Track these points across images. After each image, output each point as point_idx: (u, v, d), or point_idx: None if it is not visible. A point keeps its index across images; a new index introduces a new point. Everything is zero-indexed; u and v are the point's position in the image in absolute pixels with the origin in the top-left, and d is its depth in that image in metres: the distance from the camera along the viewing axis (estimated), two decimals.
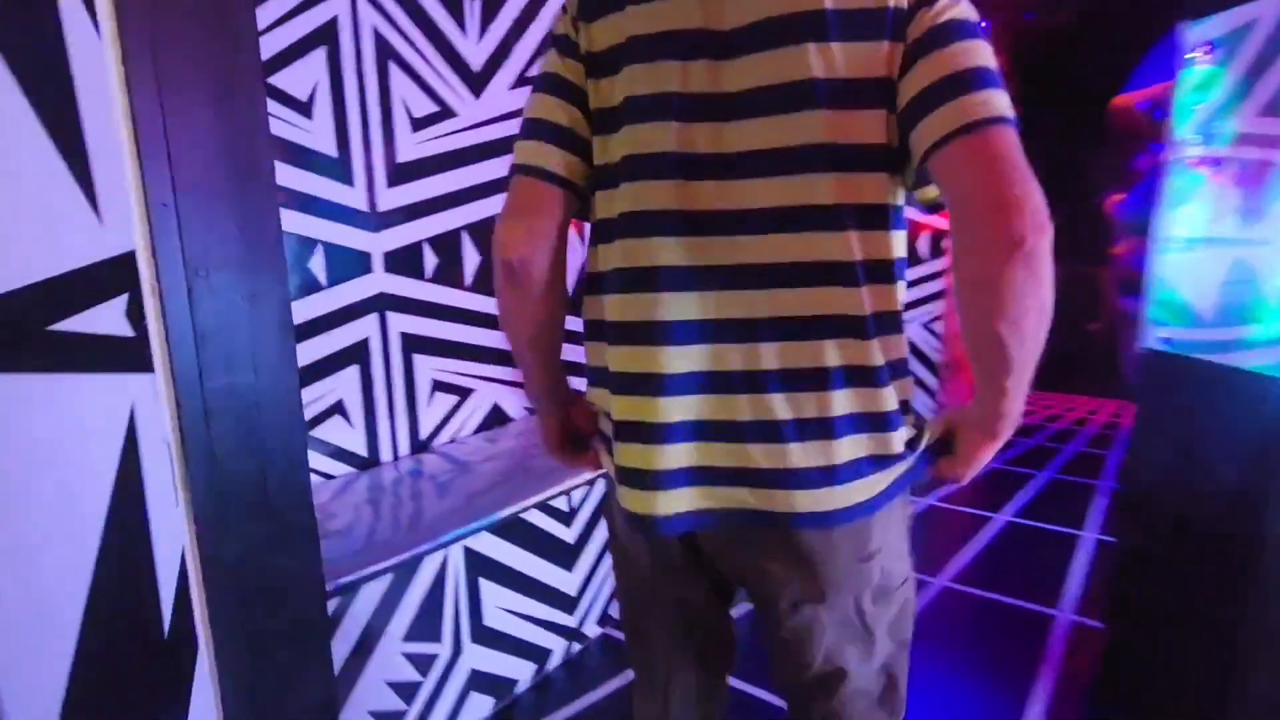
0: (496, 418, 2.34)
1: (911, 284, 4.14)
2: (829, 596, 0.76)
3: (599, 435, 0.87)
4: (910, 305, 3.98)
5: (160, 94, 0.67)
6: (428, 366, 2.07)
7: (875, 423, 0.70)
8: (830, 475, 0.70)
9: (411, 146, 1.96)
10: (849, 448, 0.70)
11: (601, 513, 0.90)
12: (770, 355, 0.69)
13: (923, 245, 4.05)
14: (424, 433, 2.09)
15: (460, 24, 2.06)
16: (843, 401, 0.69)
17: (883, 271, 0.69)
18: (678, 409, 0.71)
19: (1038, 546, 2.73)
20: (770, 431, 0.69)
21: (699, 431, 0.72)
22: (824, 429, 0.69)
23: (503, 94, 2.21)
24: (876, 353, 0.68)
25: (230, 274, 0.73)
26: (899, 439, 0.71)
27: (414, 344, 2.02)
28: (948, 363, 4.36)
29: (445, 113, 2.04)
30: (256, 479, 0.85)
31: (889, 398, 0.70)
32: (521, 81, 2.27)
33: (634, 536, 0.86)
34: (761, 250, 0.68)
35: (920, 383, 4.21)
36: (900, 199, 0.70)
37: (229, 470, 0.80)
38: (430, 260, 2.04)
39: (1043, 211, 0.59)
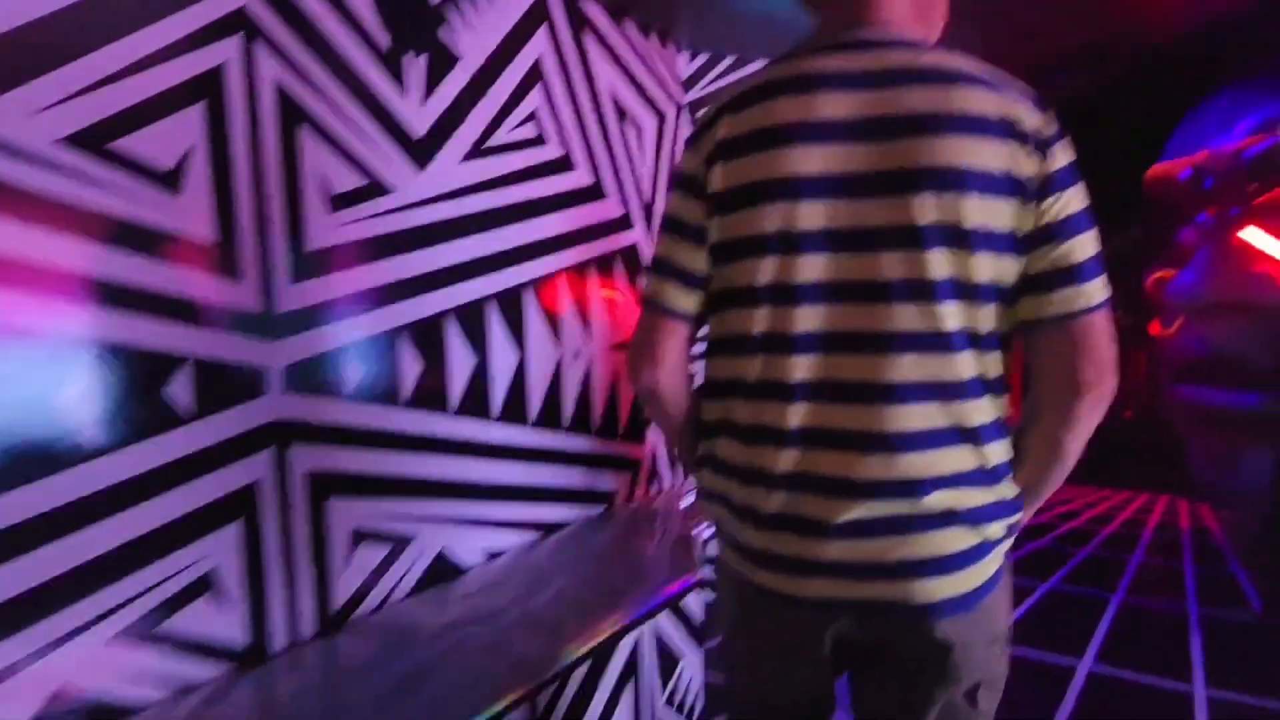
0: (443, 571, 1.81)
1: None
2: (957, 683, 0.85)
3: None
4: None
5: None
6: (347, 513, 1.56)
7: (988, 514, 0.81)
8: (964, 559, 0.81)
9: (329, 230, 1.52)
10: (964, 537, 0.80)
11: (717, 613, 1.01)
12: (897, 463, 0.78)
13: None
14: (339, 602, 1.55)
15: (399, 81, 1.67)
16: (962, 497, 0.80)
17: (995, 386, 0.81)
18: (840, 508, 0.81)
19: (1138, 708, 2.15)
20: (902, 525, 0.79)
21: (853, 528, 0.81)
22: (948, 519, 0.79)
23: (453, 167, 1.81)
24: (989, 455, 0.81)
25: None
26: (1003, 526, 0.83)
27: (327, 485, 1.52)
28: None
29: (375, 189, 1.62)
30: None
31: (1000, 491, 0.82)
32: (477, 153, 1.88)
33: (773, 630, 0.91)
34: (891, 369, 0.78)
35: None
36: (1005, 325, 0.81)
37: None
38: (353, 372, 1.57)
39: (1116, 368, 0.79)
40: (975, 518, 0.79)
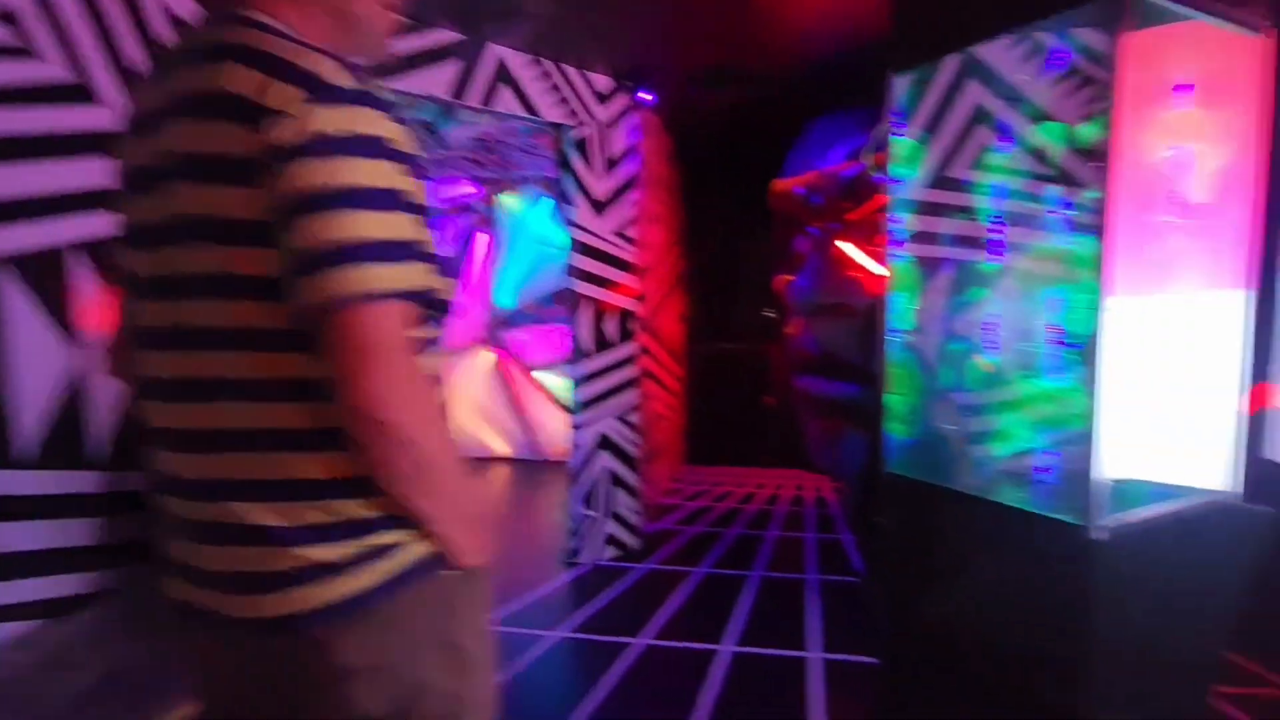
0: None
1: (600, 373, 3.70)
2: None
3: None
4: (601, 396, 3.45)
5: None
6: None
7: (304, 534, 0.72)
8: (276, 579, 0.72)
9: None
10: (267, 555, 0.72)
11: None
12: (220, 464, 0.74)
13: (611, 328, 3.61)
14: None
15: None
16: (264, 511, 0.72)
17: (315, 389, 0.71)
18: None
19: (769, 681, 2.27)
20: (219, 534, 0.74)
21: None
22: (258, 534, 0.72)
23: None
24: (301, 467, 0.72)
25: None
26: (346, 551, 0.73)
27: None
28: (645, 455, 3.95)
29: None
30: None
31: (335, 510, 0.73)
32: None
33: None
34: (195, 366, 0.73)
35: (619, 479, 3.71)
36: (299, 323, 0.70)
37: None
38: None
39: (394, 387, 0.68)
40: (281, 537, 0.71)
